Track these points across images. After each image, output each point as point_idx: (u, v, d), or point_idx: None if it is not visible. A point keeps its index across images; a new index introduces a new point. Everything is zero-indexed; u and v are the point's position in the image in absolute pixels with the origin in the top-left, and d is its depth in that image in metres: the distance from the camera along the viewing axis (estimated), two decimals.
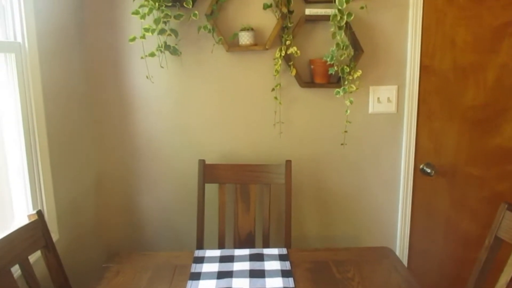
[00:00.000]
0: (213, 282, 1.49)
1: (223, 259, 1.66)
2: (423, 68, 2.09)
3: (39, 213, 1.44)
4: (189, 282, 1.49)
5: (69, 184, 1.85)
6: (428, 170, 2.15)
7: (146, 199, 2.15)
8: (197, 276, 1.53)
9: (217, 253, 1.72)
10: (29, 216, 1.43)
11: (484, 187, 2.22)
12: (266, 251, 1.72)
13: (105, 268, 1.62)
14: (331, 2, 1.86)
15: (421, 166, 2.18)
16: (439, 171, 2.19)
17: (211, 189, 2.10)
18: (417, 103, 2.11)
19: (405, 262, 2.26)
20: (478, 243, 2.26)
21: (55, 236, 1.69)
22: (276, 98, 2.06)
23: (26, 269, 1.35)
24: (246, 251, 1.72)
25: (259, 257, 1.66)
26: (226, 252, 1.72)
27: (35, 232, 1.41)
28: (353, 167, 2.16)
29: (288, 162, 1.99)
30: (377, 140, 2.14)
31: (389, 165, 2.16)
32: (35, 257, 1.50)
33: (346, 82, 1.93)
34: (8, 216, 1.55)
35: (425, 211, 2.23)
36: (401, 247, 2.24)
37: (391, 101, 2.11)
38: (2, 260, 1.25)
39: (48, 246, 1.46)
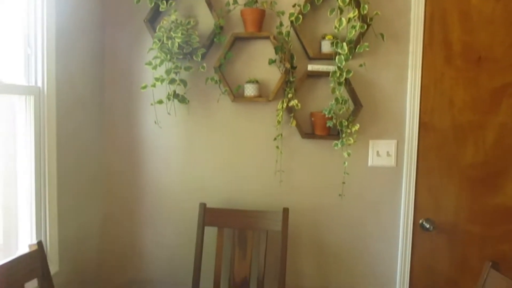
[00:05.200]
0: None
1: None
2: (422, 125, 2.15)
3: (40, 244, 1.54)
4: None
5: (74, 222, 1.96)
6: (427, 226, 2.16)
7: (148, 238, 2.23)
8: None
9: None
10: (30, 246, 1.52)
11: (486, 246, 2.20)
12: None
13: None
14: (333, 59, 1.98)
15: (420, 221, 2.19)
16: (439, 227, 2.19)
17: (211, 232, 2.16)
18: (416, 158, 2.16)
19: None
20: None
21: (54, 268, 1.78)
22: (277, 147, 2.15)
23: None
24: None
25: None
26: None
27: (34, 261, 1.51)
28: (352, 219, 2.19)
29: (285, 210, 2.04)
30: (376, 193, 2.17)
31: (388, 218, 2.18)
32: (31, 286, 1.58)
33: (344, 135, 2.01)
34: (13, 246, 1.65)
35: (425, 267, 2.22)
36: None
37: (391, 155, 2.17)
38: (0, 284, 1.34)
39: (45, 276, 1.54)
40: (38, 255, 1.52)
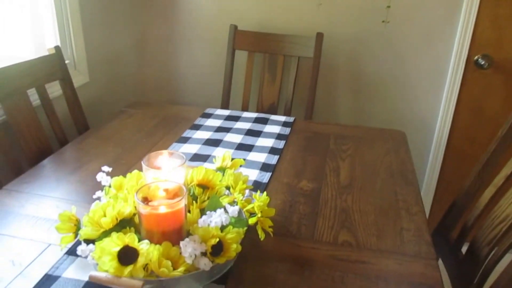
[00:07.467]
0: (209, 133, 1.54)
1: (229, 118, 1.70)
2: None
3: (57, 48, 1.56)
4: (187, 131, 1.56)
5: (103, 37, 1.97)
6: (483, 62, 1.91)
7: (182, 60, 2.21)
8: (197, 127, 1.60)
9: (226, 112, 1.76)
10: (48, 49, 1.55)
11: None
12: (274, 117, 1.72)
13: (122, 111, 1.75)
14: None
15: (475, 58, 1.94)
16: (496, 65, 1.93)
17: (242, 56, 2.09)
18: None
19: (439, 160, 2.13)
20: None
21: (84, 79, 1.85)
22: None
23: (43, 95, 1.51)
24: (254, 114, 1.74)
25: (264, 121, 1.68)
26: (235, 113, 1.75)
27: (53, 65, 1.55)
28: (395, 50, 1.98)
29: (319, 35, 1.88)
30: (427, 21, 1.91)
31: (438, 52, 1.95)
32: (57, 93, 1.66)
33: None
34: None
35: (472, 108, 2.03)
36: (437, 144, 2.10)
37: None
38: (20, 80, 1.41)
39: (66, 81, 1.60)
40: (56, 58, 1.56)
